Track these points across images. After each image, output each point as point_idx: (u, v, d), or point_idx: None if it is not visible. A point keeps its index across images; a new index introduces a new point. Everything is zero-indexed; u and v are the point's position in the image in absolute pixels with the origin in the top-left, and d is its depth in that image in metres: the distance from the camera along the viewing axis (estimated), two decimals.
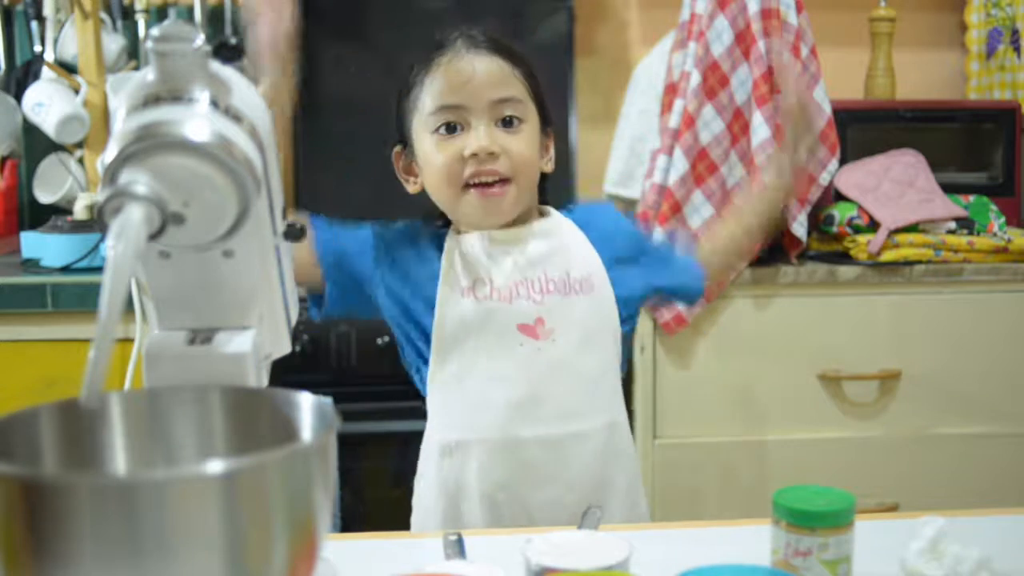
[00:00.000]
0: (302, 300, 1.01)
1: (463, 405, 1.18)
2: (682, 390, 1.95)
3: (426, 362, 1.21)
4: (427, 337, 1.20)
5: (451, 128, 1.18)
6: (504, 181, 1.17)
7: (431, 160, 1.19)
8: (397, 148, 1.27)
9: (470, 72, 1.17)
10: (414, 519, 1.24)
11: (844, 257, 1.99)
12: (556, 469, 1.16)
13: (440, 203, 1.23)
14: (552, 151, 1.26)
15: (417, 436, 1.24)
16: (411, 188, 1.26)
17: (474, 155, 1.16)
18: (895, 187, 2.02)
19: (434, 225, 1.28)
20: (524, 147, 1.18)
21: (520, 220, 1.22)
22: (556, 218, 1.25)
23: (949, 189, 2.05)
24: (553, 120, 1.27)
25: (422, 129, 1.20)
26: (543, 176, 1.26)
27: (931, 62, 2.54)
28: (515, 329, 1.17)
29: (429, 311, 1.19)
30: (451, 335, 1.18)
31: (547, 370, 1.17)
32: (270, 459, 0.64)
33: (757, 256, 1.94)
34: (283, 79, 1.08)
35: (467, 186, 1.18)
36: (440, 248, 1.22)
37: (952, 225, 1.99)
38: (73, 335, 1.80)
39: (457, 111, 1.17)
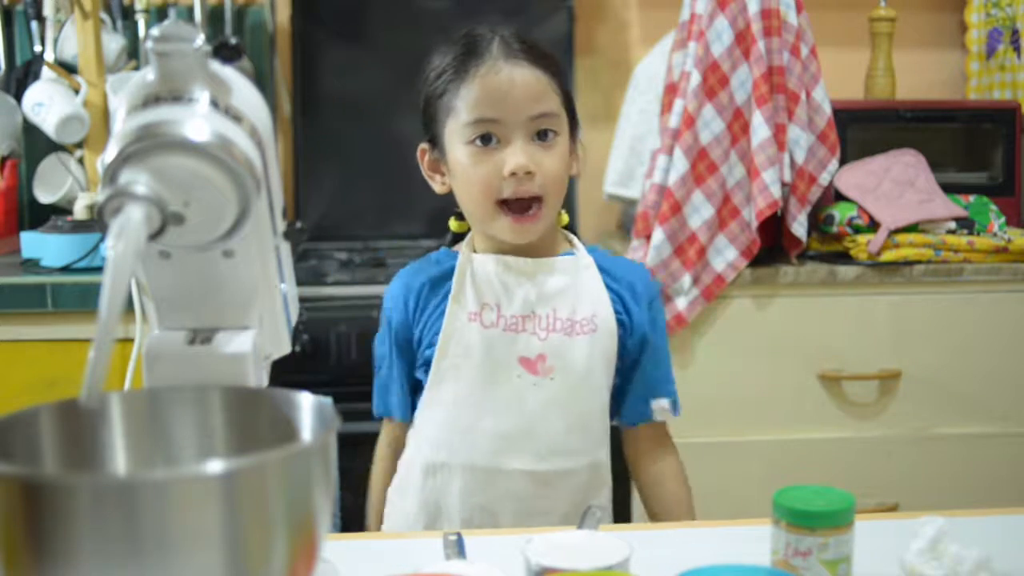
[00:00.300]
0: (303, 301, 1.01)
1: (452, 428, 1.17)
2: (682, 390, 1.93)
3: (419, 389, 1.22)
4: (428, 365, 1.20)
5: (486, 139, 1.15)
6: (538, 202, 1.16)
7: (467, 173, 1.17)
8: (423, 145, 1.24)
9: (509, 85, 1.14)
10: (386, 529, 1.25)
11: (844, 257, 1.99)
12: (536, 502, 1.16)
13: (469, 214, 1.21)
14: (579, 154, 1.25)
15: None
16: (438, 188, 1.24)
17: (513, 174, 1.14)
18: (895, 187, 2.02)
19: (443, 239, 1.28)
20: (557, 163, 1.17)
21: (543, 244, 1.21)
22: (579, 255, 1.23)
23: (949, 189, 2.05)
24: (580, 125, 1.25)
25: (456, 138, 1.17)
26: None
27: (931, 62, 2.54)
28: (515, 361, 1.17)
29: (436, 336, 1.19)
30: (452, 358, 1.18)
31: (541, 406, 1.16)
32: (270, 459, 0.64)
33: (757, 256, 1.94)
34: None
35: (501, 203, 1.16)
36: (452, 270, 1.21)
37: (952, 225, 1.99)
38: (73, 335, 1.80)
39: (494, 124, 1.15)
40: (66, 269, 1.86)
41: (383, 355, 1.25)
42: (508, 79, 1.14)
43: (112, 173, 0.71)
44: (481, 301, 1.18)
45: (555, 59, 1.20)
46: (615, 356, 1.21)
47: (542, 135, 1.16)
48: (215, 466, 0.62)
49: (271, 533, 0.64)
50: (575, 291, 1.19)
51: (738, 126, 1.93)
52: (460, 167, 1.17)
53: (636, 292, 1.23)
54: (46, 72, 2.09)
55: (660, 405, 1.26)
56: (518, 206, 1.16)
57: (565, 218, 1.27)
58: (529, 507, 1.16)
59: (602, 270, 1.22)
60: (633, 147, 2.25)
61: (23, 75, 2.21)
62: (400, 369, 1.23)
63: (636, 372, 1.24)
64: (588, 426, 1.19)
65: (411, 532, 1.19)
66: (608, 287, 1.21)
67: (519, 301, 1.18)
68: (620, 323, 1.20)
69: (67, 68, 2.10)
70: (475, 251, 1.22)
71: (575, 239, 1.26)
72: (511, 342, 1.17)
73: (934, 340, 1.97)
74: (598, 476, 1.21)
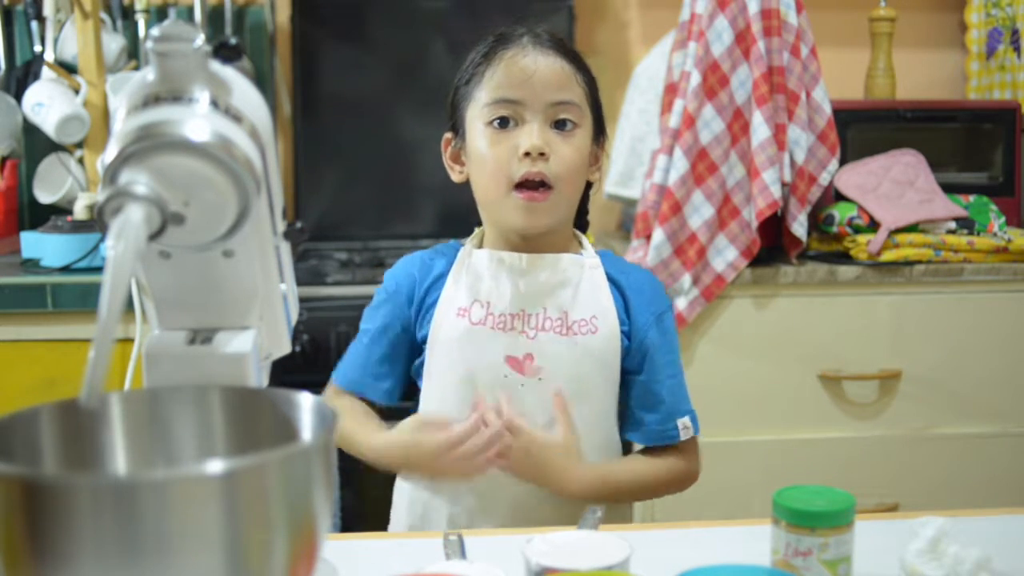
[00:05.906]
0: (303, 301, 1.01)
1: None
2: None
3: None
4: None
5: (504, 122, 1.15)
6: (547, 187, 1.14)
7: (483, 153, 1.16)
8: (447, 135, 1.24)
9: (532, 69, 1.15)
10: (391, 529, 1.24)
11: (844, 257, 1.99)
12: (524, 508, 1.14)
13: (482, 197, 1.19)
14: (601, 162, 1.23)
15: None
16: (456, 177, 1.23)
17: (527, 154, 1.13)
18: (895, 187, 2.02)
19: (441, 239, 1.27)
20: (574, 152, 1.15)
21: (549, 243, 1.19)
22: (585, 256, 1.20)
23: (949, 189, 2.05)
24: (606, 131, 1.24)
25: (476, 119, 1.17)
26: (587, 186, 1.23)
27: (931, 62, 2.54)
28: (502, 360, 1.15)
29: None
30: (439, 355, 1.16)
31: (528, 408, 1.13)
32: (270, 459, 0.64)
33: (757, 256, 1.94)
34: None
35: (515, 186, 1.14)
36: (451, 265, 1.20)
37: (952, 225, 1.99)
38: (73, 335, 1.80)
39: (513, 106, 1.14)
40: (66, 269, 1.86)
41: (367, 330, 1.23)
42: (532, 63, 1.15)
43: (112, 173, 0.71)
44: (472, 297, 1.17)
45: (584, 60, 1.20)
46: (618, 362, 1.17)
47: (561, 124, 1.15)
48: (215, 466, 0.62)
49: (271, 533, 0.64)
50: (572, 291, 1.16)
51: (738, 126, 1.93)
52: (477, 149, 1.17)
53: (645, 301, 1.19)
54: (46, 72, 2.09)
55: (683, 423, 1.21)
56: (529, 187, 1.14)
57: (591, 238, 1.26)
58: (514, 508, 1.14)
59: (610, 274, 1.19)
60: (633, 147, 2.25)
61: (23, 75, 2.22)
62: (381, 348, 1.21)
63: (645, 387, 1.19)
64: (579, 432, 1.14)
65: (411, 532, 1.19)
66: (614, 291, 1.18)
67: (508, 298, 1.16)
68: (621, 330, 1.17)
69: (67, 68, 2.10)
70: (479, 247, 1.21)
71: (586, 242, 1.24)
72: (498, 339, 1.15)
73: (934, 340, 1.98)
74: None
